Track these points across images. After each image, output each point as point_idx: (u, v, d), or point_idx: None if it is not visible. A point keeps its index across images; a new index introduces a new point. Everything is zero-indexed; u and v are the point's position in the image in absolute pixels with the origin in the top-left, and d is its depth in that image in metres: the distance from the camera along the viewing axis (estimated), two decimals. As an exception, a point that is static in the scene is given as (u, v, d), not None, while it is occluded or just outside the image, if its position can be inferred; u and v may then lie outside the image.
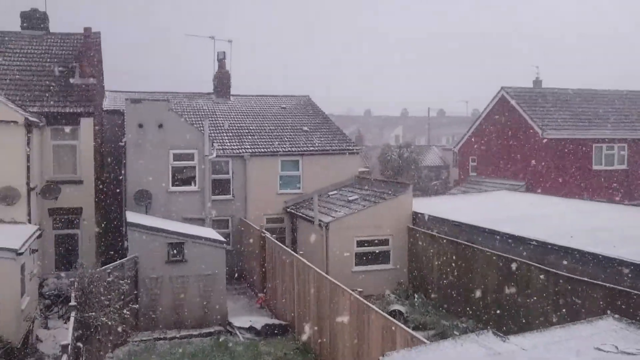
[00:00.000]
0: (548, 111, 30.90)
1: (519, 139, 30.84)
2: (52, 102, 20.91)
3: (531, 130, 29.88)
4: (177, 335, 16.44)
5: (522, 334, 6.77)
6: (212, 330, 16.87)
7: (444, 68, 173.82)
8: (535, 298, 14.45)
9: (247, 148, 24.52)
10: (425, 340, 9.06)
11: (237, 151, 24.22)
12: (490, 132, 33.55)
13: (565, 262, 14.51)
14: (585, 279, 13.10)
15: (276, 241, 18.93)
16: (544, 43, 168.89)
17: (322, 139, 26.26)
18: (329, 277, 14.26)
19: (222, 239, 17.83)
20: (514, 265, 15.31)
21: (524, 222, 18.41)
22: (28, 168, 17.50)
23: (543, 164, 29.19)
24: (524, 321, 14.73)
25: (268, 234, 19.85)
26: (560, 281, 13.63)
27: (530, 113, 30.29)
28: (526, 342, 6.49)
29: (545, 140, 29.06)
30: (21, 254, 14.01)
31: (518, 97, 31.49)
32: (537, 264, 14.72)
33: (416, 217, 21.17)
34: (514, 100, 31.21)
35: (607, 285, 12.48)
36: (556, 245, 14.94)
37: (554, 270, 14.06)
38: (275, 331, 16.67)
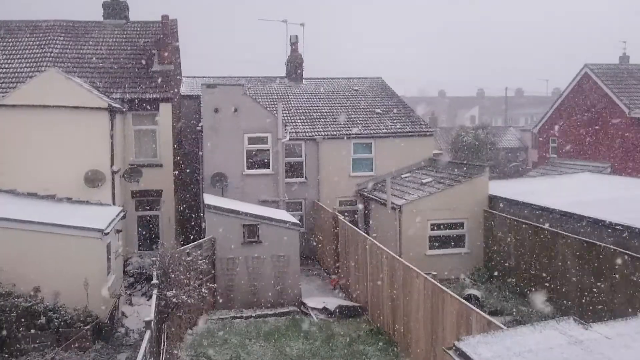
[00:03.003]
0: (636, 88, 29.18)
1: (604, 118, 29.34)
2: (133, 89, 21.74)
3: (617, 109, 28.34)
4: (253, 315, 16.85)
5: (606, 322, 6.46)
6: (286, 310, 17.19)
7: (523, 46, 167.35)
8: (620, 285, 13.79)
9: (320, 131, 24.62)
10: (502, 326, 8.85)
11: (310, 134, 24.38)
12: (572, 111, 32.11)
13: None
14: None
15: (349, 223, 18.97)
16: (632, 20, 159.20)
17: (394, 121, 25.99)
18: (402, 260, 14.17)
19: (295, 221, 18.06)
20: (597, 251, 14.66)
21: (608, 205, 17.56)
22: (112, 152, 18.31)
23: (630, 144, 27.67)
24: (607, 309, 14.11)
25: (341, 216, 19.93)
26: (648, 268, 12.94)
27: (616, 91, 28.71)
28: (610, 331, 6.20)
29: (632, 119, 27.50)
30: (107, 234, 14.73)
31: (602, 74, 29.91)
32: (622, 249, 14.02)
33: (493, 200, 20.63)
34: (598, 78, 29.67)
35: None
36: (644, 230, 14.18)
37: (641, 256, 13.36)
38: (349, 313, 16.77)
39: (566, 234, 16.12)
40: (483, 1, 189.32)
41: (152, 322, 10.13)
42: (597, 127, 29.88)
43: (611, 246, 14.45)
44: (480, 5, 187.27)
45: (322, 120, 25.55)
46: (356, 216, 24.38)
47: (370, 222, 23.29)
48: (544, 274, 16.86)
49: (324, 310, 16.89)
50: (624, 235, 14.73)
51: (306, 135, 24.28)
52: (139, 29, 25.23)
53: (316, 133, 24.44)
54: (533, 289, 17.37)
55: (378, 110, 26.76)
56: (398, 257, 14.49)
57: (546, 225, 17.29)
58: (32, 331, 13.21)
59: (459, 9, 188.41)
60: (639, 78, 30.14)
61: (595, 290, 14.69)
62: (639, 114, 27.47)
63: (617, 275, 13.90)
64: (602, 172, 27.40)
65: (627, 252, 13.81)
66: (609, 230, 15.28)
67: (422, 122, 26.72)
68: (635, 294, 13.30)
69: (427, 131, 25.90)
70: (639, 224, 14.51)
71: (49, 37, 23.89)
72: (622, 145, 28.13)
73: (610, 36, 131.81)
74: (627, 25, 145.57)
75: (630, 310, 13.08)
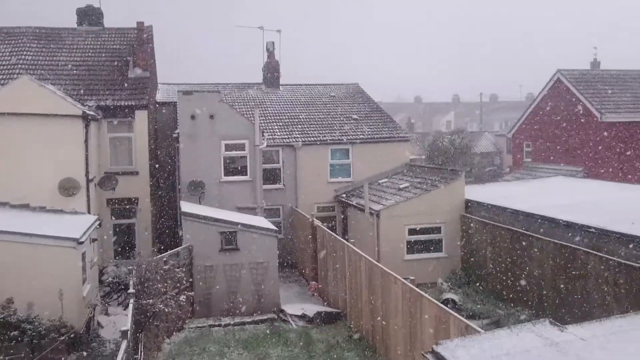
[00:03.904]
0: (607, 93, 29.77)
1: (576, 123, 29.86)
2: (108, 96, 21.52)
3: (589, 114, 28.88)
4: (231, 322, 16.74)
5: (581, 323, 6.57)
6: (265, 317, 17.10)
7: (497, 53, 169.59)
8: (594, 287, 14.02)
9: (297, 137, 24.63)
10: (479, 329, 8.93)
11: (287, 140, 24.38)
12: (545, 116, 32.61)
13: (625, 250, 14.00)
14: (648, 267, 12.62)
15: (327, 229, 18.98)
16: (603, 25, 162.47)
17: (372, 127, 26.11)
18: (380, 265, 14.22)
19: (273, 227, 18.01)
20: (571, 253, 14.88)
21: (581, 208, 17.85)
22: (87, 160, 18.07)
23: (602, 148, 28.19)
24: (582, 310, 14.33)
25: (319, 223, 19.93)
26: (620, 269, 13.17)
27: (588, 96, 29.25)
28: (585, 332, 6.30)
29: (604, 124, 28.04)
30: (82, 243, 14.53)
31: (574, 80, 30.46)
32: (595, 252, 14.27)
33: (469, 204, 20.82)
34: (571, 83, 30.20)
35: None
36: (616, 232, 14.43)
37: (614, 258, 13.59)
38: (328, 318, 16.75)
39: (541, 237, 16.35)
40: (456, 7, 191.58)
41: (129, 332, 10.01)
42: (569, 132, 30.39)
43: (585, 248, 14.69)
44: (454, 12, 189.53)
45: (300, 126, 25.57)
46: (334, 222, 24.42)
47: (349, 227, 23.34)
48: (520, 277, 17.05)
49: (303, 316, 16.85)
50: (598, 237, 14.98)
51: (283, 142, 24.26)
52: (114, 36, 25.00)
53: (293, 139, 24.45)
54: (510, 292, 17.56)
55: (355, 116, 26.87)
56: (376, 262, 14.54)
57: (522, 229, 17.51)
58: (6, 343, 12.94)
59: (434, 16, 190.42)
60: (610, 83, 30.75)
61: (570, 292, 14.91)
62: (610, 118, 28.02)
63: (591, 277, 14.12)
64: (576, 176, 27.86)
65: (600, 254, 14.06)
66: (583, 233, 15.52)
67: (399, 128, 26.90)
68: (610, 296, 13.53)
69: (404, 137, 26.08)
70: (611, 227, 14.77)
71: (22, 44, 23.54)
72: (594, 149, 28.64)
73: (584, 43, 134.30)
74: (600, 31, 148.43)
75: (604, 311, 13.29)
